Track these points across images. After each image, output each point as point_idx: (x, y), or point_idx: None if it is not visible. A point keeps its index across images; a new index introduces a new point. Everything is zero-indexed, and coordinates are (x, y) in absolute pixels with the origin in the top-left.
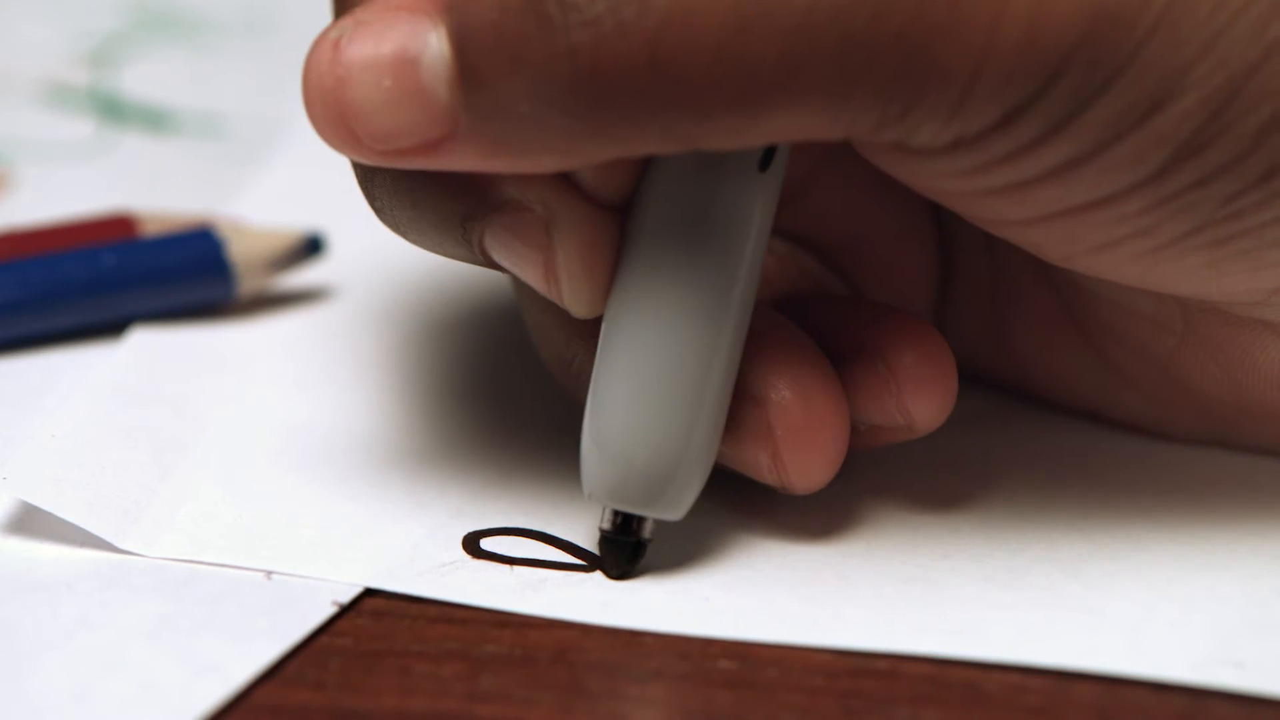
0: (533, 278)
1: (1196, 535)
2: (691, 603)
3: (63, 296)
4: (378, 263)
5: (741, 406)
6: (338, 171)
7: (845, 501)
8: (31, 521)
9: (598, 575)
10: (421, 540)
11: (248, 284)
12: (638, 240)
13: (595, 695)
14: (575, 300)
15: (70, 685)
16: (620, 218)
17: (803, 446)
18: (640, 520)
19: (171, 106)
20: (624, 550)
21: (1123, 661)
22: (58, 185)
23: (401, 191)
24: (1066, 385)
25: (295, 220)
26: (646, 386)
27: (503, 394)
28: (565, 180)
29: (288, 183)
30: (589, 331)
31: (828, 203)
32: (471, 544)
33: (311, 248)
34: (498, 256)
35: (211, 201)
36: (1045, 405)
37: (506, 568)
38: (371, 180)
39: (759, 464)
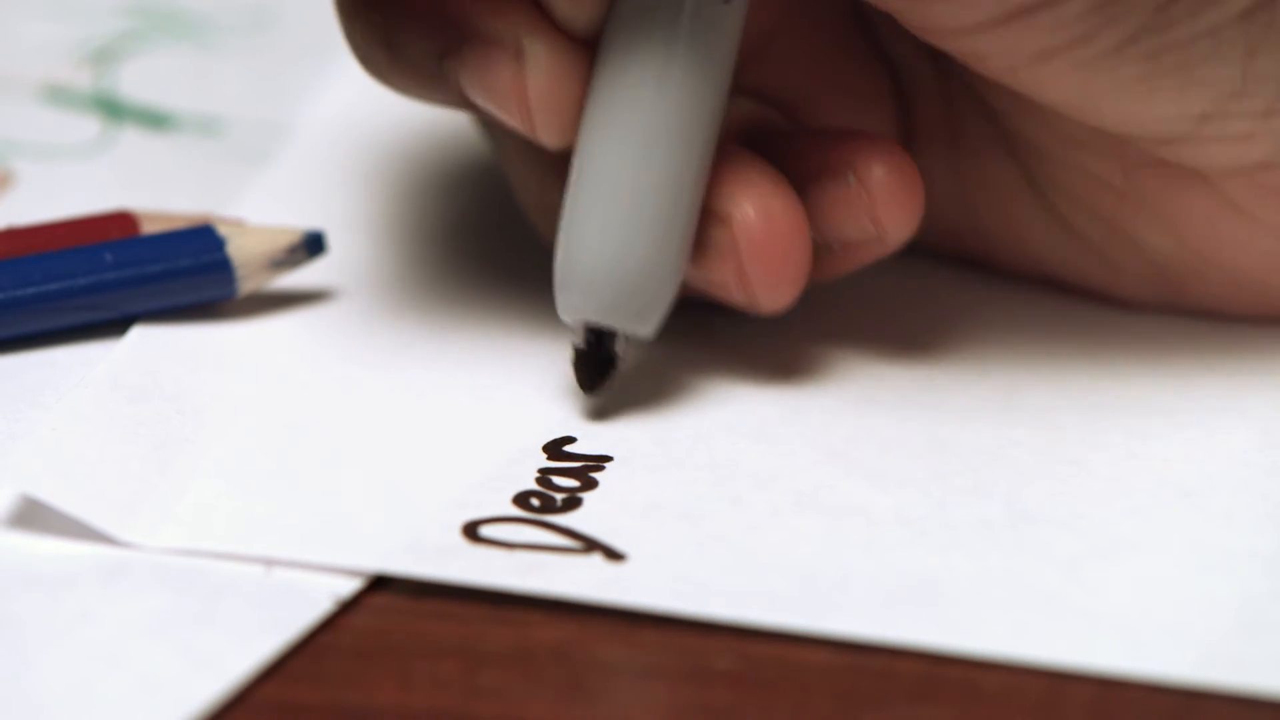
0: (504, 109)
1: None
2: (689, 586)
3: (63, 294)
4: (379, 265)
5: (707, 226)
6: (338, 174)
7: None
8: (32, 516)
9: (596, 558)
10: (421, 528)
11: (249, 282)
12: (607, 69)
13: (594, 692)
14: (545, 128)
15: (70, 680)
16: (589, 50)
17: (766, 261)
18: (611, 336)
19: (171, 106)
20: (595, 364)
21: (1119, 660)
22: (58, 185)
23: (381, 34)
24: (1024, 248)
25: (296, 223)
26: (616, 203)
27: (504, 394)
28: (537, 12)
29: (288, 186)
30: (565, 173)
31: (787, 60)
32: (470, 531)
33: (313, 247)
34: (472, 92)
35: (212, 203)
36: (1002, 272)
37: (505, 553)
38: (354, 26)
39: (726, 282)
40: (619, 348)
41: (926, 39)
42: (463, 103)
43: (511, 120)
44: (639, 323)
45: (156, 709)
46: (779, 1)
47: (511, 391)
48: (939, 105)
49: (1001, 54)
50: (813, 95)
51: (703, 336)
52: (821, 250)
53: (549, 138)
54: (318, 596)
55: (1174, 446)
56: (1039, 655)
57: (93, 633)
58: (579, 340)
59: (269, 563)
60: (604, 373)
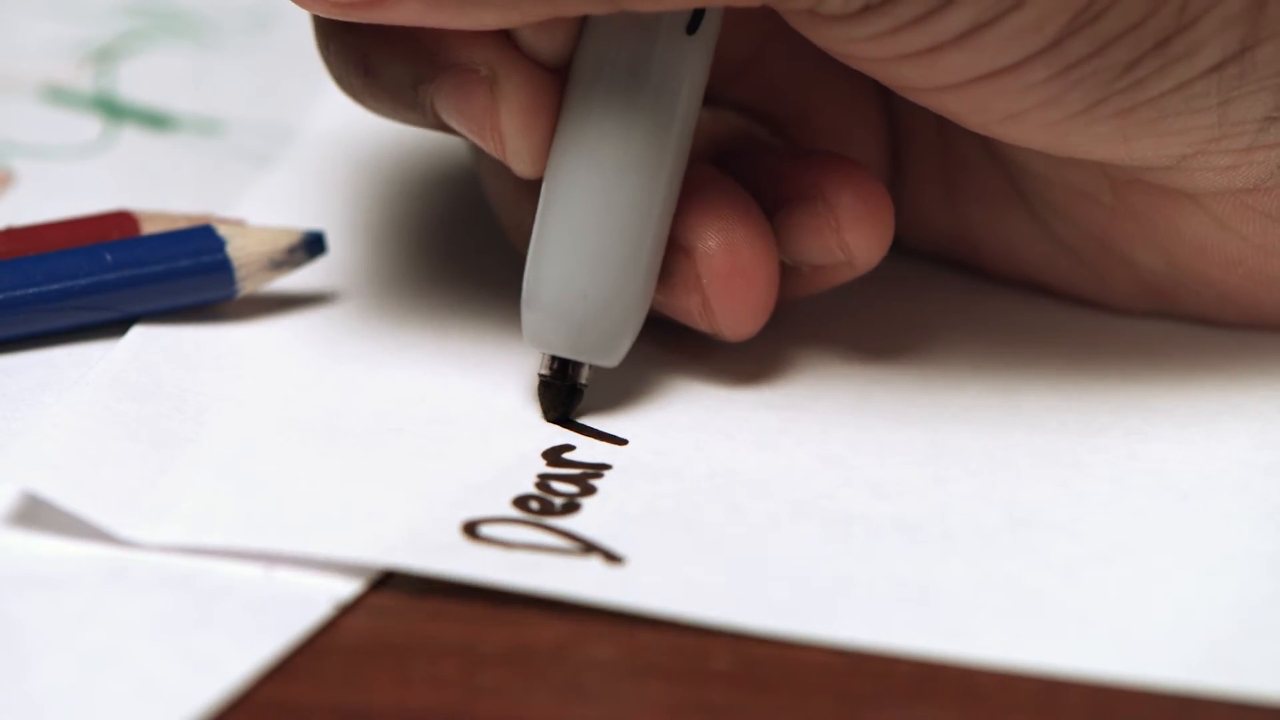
0: (478, 136)
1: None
2: (688, 589)
3: (63, 294)
4: (379, 266)
5: (673, 257)
6: (338, 175)
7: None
8: (33, 516)
9: (594, 560)
10: (420, 525)
11: (249, 282)
12: (575, 100)
13: (592, 692)
14: (517, 157)
15: (70, 680)
16: (560, 80)
17: (729, 294)
18: (577, 365)
19: (171, 106)
20: (560, 394)
21: (1116, 665)
22: (58, 185)
23: (357, 58)
24: (1014, 259)
25: (296, 223)
26: (581, 238)
27: (504, 399)
28: (508, 43)
29: (288, 186)
30: (538, 194)
31: (776, 75)
32: (470, 530)
33: (313, 247)
34: (446, 117)
35: (212, 203)
36: (994, 279)
37: (504, 552)
38: (329, 48)
39: (690, 311)
40: (584, 378)
41: (901, 94)
42: (439, 126)
43: (486, 147)
44: (603, 355)
45: (156, 710)
46: (764, 18)
47: (511, 396)
48: (928, 118)
49: (972, 113)
50: (802, 110)
51: (699, 345)
52: (791, 271)
53: (520, 166)
54: (317, 599)
55: (1173, 448)
56: (1038, 662)
57: (93, 633)
58: (544, 369)
59: (269, 563)
60: (567, 402)
